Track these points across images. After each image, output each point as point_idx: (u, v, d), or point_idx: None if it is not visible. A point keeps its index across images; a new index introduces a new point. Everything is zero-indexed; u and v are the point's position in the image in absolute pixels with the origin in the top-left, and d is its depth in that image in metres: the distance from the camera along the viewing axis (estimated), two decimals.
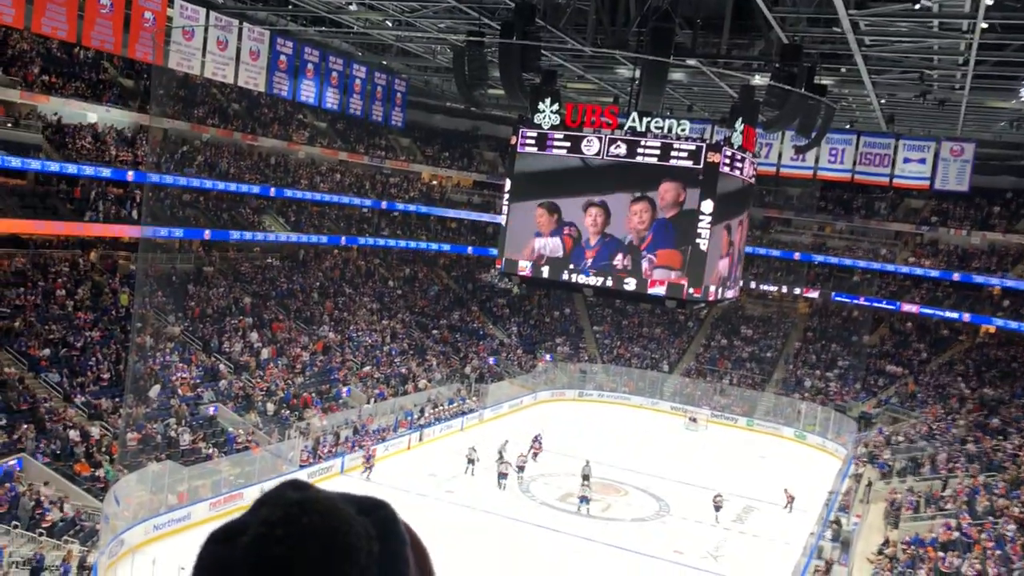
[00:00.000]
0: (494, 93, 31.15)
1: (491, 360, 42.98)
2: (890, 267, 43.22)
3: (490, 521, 24.92)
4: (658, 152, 17.92)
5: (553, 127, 18.88)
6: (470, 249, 47.89)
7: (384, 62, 37.11)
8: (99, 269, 32.32)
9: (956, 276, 40.93)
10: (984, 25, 18.45)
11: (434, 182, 50.03)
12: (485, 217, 47.03)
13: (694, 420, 39.01)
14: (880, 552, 24.09)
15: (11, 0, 22.93)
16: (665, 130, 18.03)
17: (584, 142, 18.58)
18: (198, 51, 28.11)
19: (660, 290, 18.00)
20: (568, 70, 29.53)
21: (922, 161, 35.15)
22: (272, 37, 30.86)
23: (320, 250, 43.68)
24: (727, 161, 17.75)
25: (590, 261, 18.55)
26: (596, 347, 46.54)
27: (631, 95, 21.39)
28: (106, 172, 31.01)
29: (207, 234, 35.17)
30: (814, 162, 36.36)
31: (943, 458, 31.09)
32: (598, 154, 18.43)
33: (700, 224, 17.53)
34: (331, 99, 34.56)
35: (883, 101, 29.86)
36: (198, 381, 29.26)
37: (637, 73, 20.59)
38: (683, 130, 18.07)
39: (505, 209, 19.76)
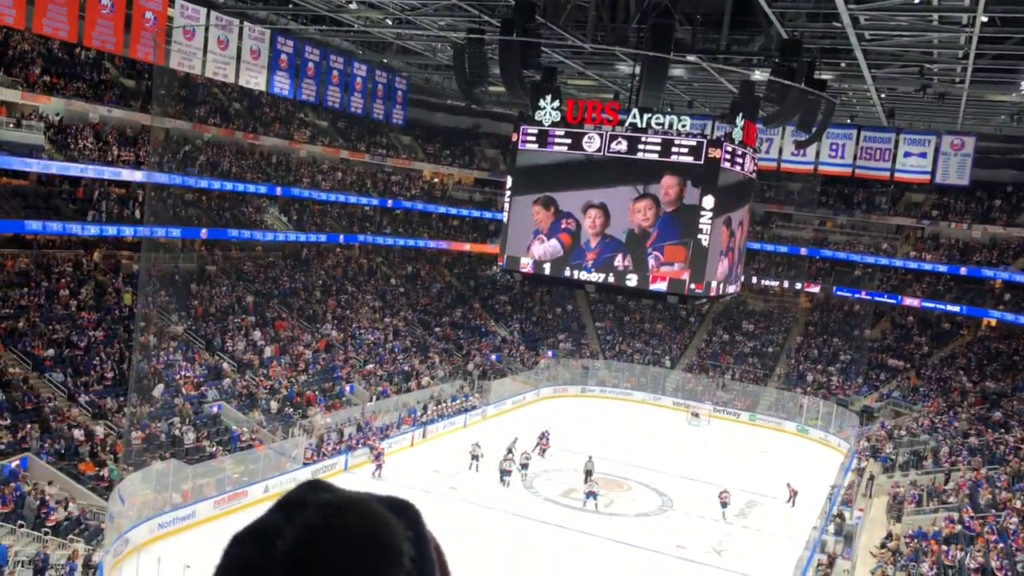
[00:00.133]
0: (495, 90, 31.17)
1: (494, 357, 43.05)
2: (897, 262, 43.23)
3: (494, 517, 24.98)
4: (659, 148, 17.94)
5: (554, 124, 18.90)
6: (468, 246, 47.92)
7: (385, 60, 37.14)
8: (102, 269, 32.41)
9: (963, 270, 40.86)
10: (984, 19, 18.48)
11: (435, 180, 50.09)
12: (487, 215, 47.11)
13: (696, 415, 39.05)
14: (883, 546, 24.16)
15: (12, 1, 22.98)
16: (666, 126, 18.05)
17: (585, 139, 18.61)
18: (199, 51, 28.14)
19: (662, 286, 18.05)
20: (568, 67, 29.56)
21: (923, 155, 35.15)
22: (273, 36, 30.89)
23: (322, 248, 43.75)
24: (728, 157, 17.77)
25: (591, 263, 18.61)
26: (598, 343, 46.58)
27: (631, 91, 21.41)
28: (107, 172, 31.06)
29: (203, 233, 35.08)
30: (815, 157, 36.37)
31: (945, 452, 31.15)
32: (599, 151, 18.46)
33: (701, 219, 17.57)
34: (332, 98, 34.59)
35: (883, 95, 29.88)
36: (202, 380, 29.34)
37: (637, 69, 20.63)
38: (684, 126, 18.09)
39: (506, 206, 19.80)
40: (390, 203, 45.41)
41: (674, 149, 17.83)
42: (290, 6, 29.55)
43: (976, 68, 23.05)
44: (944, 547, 22.72)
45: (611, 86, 32.49)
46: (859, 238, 45.39)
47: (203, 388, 28.98)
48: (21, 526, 19.65)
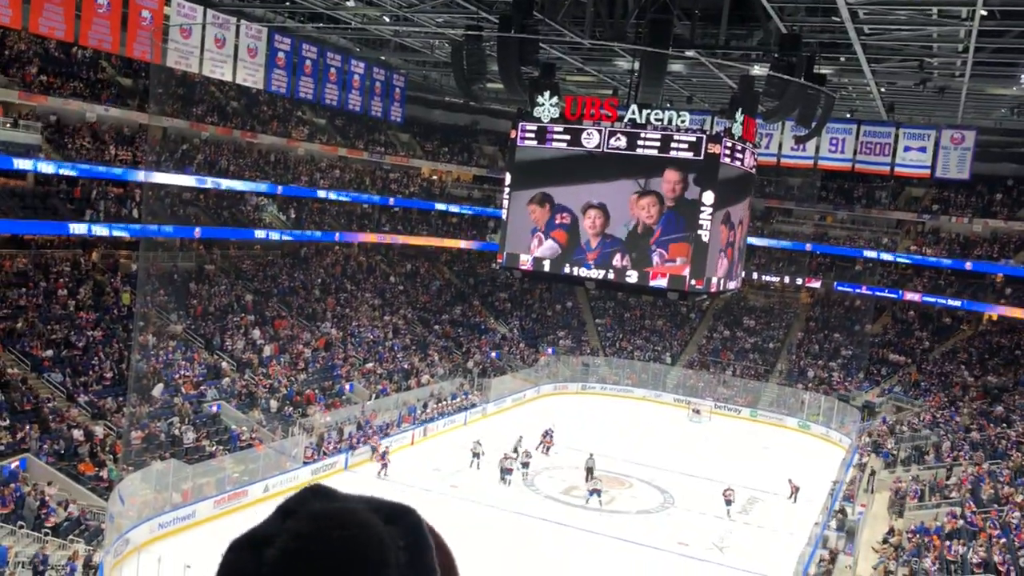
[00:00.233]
0: (493, 87, 31.07)
1: (493, 354, 43.00)
2: (899, 257, 43.14)
3: (495, 515, 24.94)
4: (658, 144, 17.86)
5: (552, 120, 18.82)
6: (463, 243, 47.83)
7: (382, 57, 37.02)
8: (100, 268, 32.34)
9: (968, 265, 40.72)
10: (983, 12, 18.38)
11: (434, 177, 50.00)
12: (486, 212, 47.00)
13: (697, 412, 39.00)
14: (885, 541, 24.13)
15: (8, 0, 22.89)
16: (665, 122, 17.96)
17: (584, 135, 18.53)
18: (196, 49, 28.05)
19: (662, 282, 17.98)
20: (567, 63, 29.44)
21: (923, 149, 35.08)
22: (270, 34, 30.79)
23: (321, 247, 43.65)
24: (727, 152, 17.69)
25: (592, 263, 18.54)
26: (598, 340, 46.53)
27: (630, 87, 21.34)
28: (103, 170, 30.96)
29: (197, 232, 34.85)
30: (815, 152, 36.32)
31: (947, 446, 31.10)
32: (598, 147, 18.38)
33: (701, 215, 17.49)
34: (330, 95, 34.50)
35: (883, 90, 29.77)
36: (201, 379, 29.28)
37: (636, 65, 20.54)
38: (683, 121, 17.99)
39: (505, 203, 19.72)
40: (391, 201, 45.30)
41: (673, 145, 17.75)
42: (287, 4, 29.45)
43: (976, 62, 22.95)
44: (946, 542, 22.68)
45: (610, 82, 32.39)
46: (859, 233, 45.33)
47: (202, 387, 28.91)
48: (21, 527, 19.61)
